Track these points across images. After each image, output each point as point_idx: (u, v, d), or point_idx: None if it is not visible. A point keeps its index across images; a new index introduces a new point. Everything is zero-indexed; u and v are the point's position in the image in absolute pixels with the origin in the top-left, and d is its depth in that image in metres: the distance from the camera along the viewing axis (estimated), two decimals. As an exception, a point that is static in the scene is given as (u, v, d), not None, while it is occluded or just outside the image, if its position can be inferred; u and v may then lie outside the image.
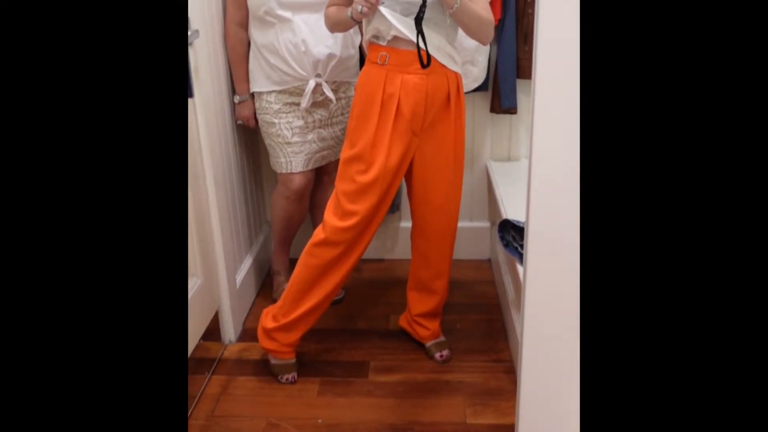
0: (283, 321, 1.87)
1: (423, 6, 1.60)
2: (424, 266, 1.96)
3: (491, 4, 1.75)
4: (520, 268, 1.83)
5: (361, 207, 1.74)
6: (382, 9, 1.64)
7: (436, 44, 1.66)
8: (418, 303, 2.02)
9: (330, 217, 1.77)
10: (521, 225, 1.86)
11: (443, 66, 1.70)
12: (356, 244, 1.79)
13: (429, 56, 1.64)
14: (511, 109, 2.35)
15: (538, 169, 1.13)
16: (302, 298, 1.84)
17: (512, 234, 1.92)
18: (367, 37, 1.75)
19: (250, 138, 2.39)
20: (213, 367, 2.01)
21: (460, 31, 1.72)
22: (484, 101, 2.44)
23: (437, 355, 2.02)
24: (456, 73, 1.74)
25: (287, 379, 1.93)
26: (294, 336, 1.90)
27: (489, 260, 2.65)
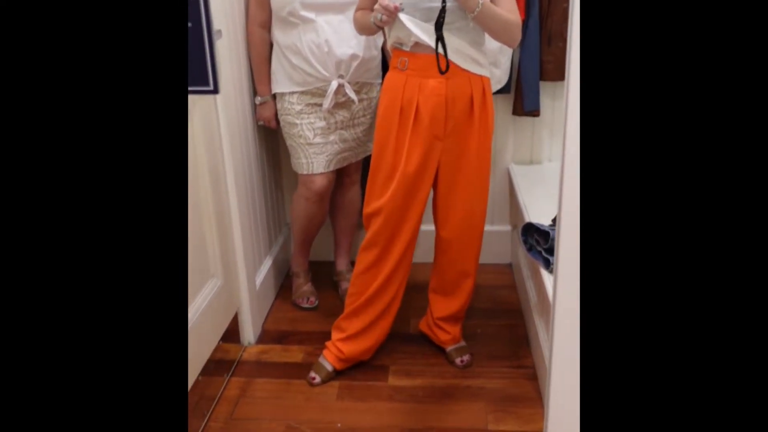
0: (349, 330, 1.94)
1: (442, 11, 1.58)
2: (449, 268, 1.93)
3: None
4: (543, 273, 1.80)
5: (385, 207, 1.78)
6: (402, 16, 1.62)
7: (456, 48, 1.64)
8: (441, 306, 2.00)
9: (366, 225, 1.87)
10: (545, 229, 1.84)
11: (465, 70, 1.68)
12: (391, 246, 1.83)
13: (448, 62, 1.62)
14: (534, 112, 2.33)
15: (570, 174, 1.11)
16: (357, 310, 1.91)
17: (536, 238, 1.89)
18: (390, 42, 1.75)
19: (271, 139, 2.39)
20: (232, 369, 2.01)
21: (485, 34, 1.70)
22: (506, 103, 2.41)
23: (458, 360, 1.99)
24: (482, 77, 1.72)
25: (313, 378, 1.92)
26: (350, 347, 1.94)
27: (510, 264, 2.62)
